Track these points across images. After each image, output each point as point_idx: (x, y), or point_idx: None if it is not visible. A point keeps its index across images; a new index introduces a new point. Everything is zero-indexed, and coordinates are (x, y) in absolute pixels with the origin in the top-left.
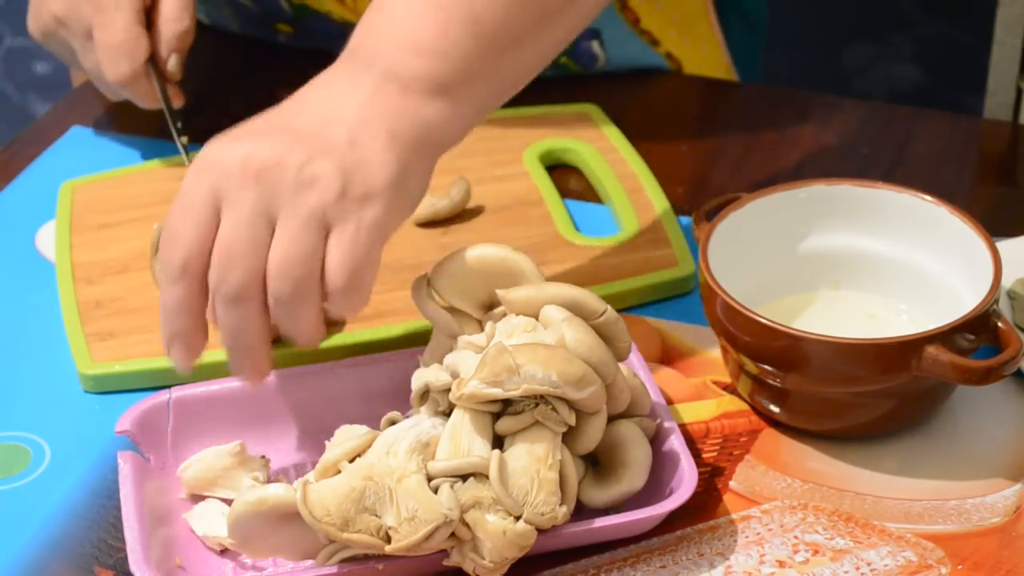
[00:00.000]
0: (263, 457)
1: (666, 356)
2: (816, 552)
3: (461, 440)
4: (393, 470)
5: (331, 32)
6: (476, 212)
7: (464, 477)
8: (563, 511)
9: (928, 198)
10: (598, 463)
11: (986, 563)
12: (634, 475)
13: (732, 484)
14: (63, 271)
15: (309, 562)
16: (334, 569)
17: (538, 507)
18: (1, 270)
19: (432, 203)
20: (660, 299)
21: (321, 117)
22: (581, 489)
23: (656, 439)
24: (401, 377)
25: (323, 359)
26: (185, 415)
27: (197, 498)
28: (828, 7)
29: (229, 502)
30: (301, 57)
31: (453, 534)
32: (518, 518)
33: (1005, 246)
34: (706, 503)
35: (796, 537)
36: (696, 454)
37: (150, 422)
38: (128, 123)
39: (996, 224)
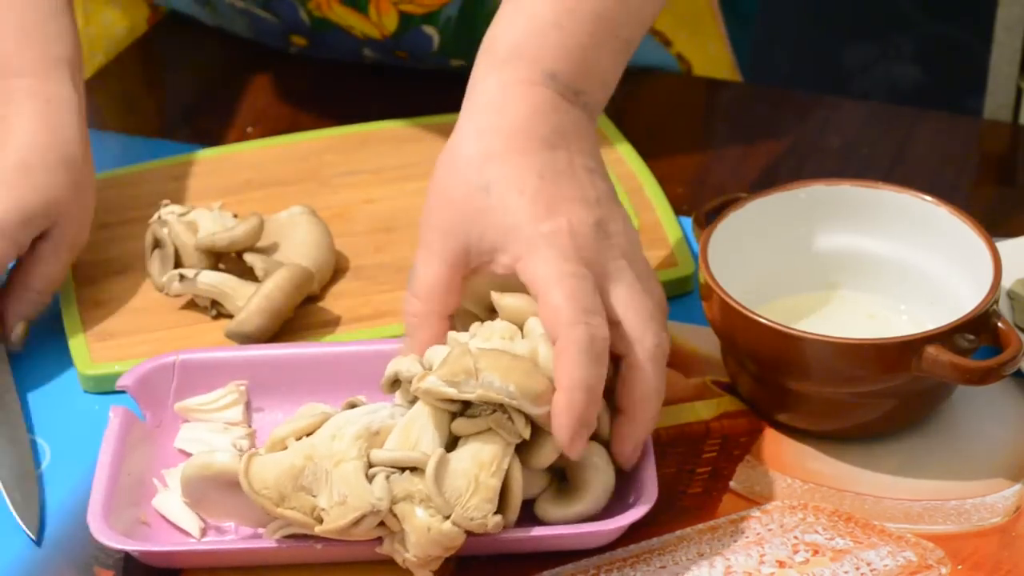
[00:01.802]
0: (249, 427)
1: None
2: (816, 552)
3: (412, 433)
4: (334, 453)
5: (347, 47)
6: None
7: (403, 470)
8: (495, 520)
9: (928, 198)
10: (564, 479)
11: (986, 563)
12: (593, 498)
13: (732, 484)
14: None
15: (261, 530)
16: (282, 543)
17: (469, 511)
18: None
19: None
20: None
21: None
22: (539, 503)
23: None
24: None
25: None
26: (189, 378)
27: (185, 456)
28: (828, 7)
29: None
30: (311, 63)
31: (384, 524)
32: (447, 518)
33: (1005, 246)
34: (706, 503)
35: (796, 537)
36: (696, 454)
37: (153, 381)
38: (128, 123)
39: (996, 224)
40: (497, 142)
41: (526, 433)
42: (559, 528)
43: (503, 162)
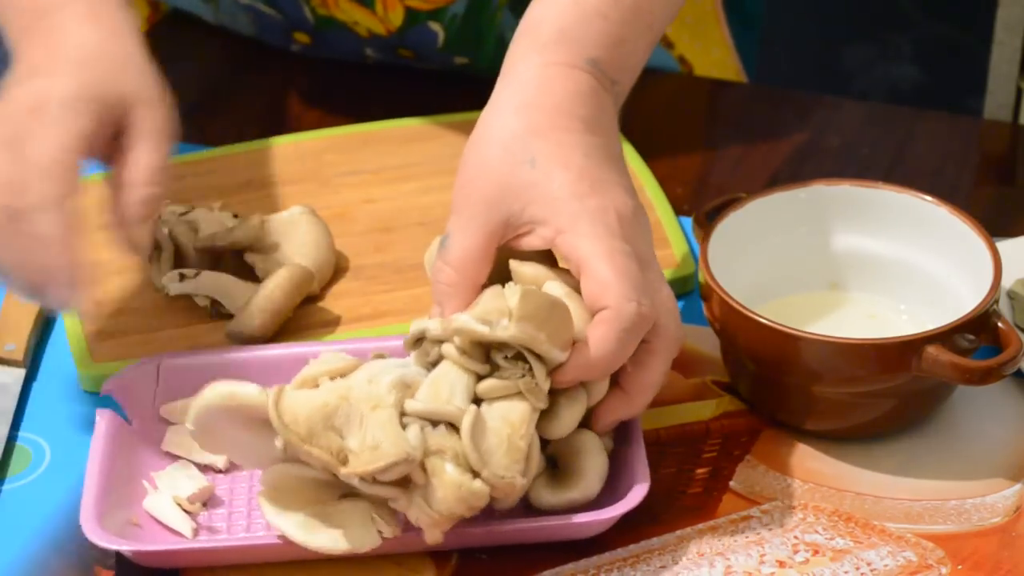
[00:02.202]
0: None
1: None
2: (816, 552)
3: (442, 389)
4: (371, 397)
5: (349, 46)
6: None
7: (436, 424)
8: (522, 482)
9: (928, 198)
10: (556, 466)
11: (986, 563)
12: (587, 484)
13: (732, 484)
14: None
15: (261, 532)
16: (274, 540)
17: (499, 469)
18: None
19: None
20: None
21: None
22: (533, 488)
23: (619, 442)
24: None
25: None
26: (173, 381)
27: (172, 458)
28: (828, 7)
29: (200, 466)
30: (312, 62)
31: (407, 478)
32: (476, 476)
33: (1005, 246)
34: (706, 503)
35: (796, 537)
36: (696, 454)
37: (136, 386)
38: None
39: (996, 224)
40: (541, 118)
41: (546, 386)
42: (553, 519)
43: (548, 138)
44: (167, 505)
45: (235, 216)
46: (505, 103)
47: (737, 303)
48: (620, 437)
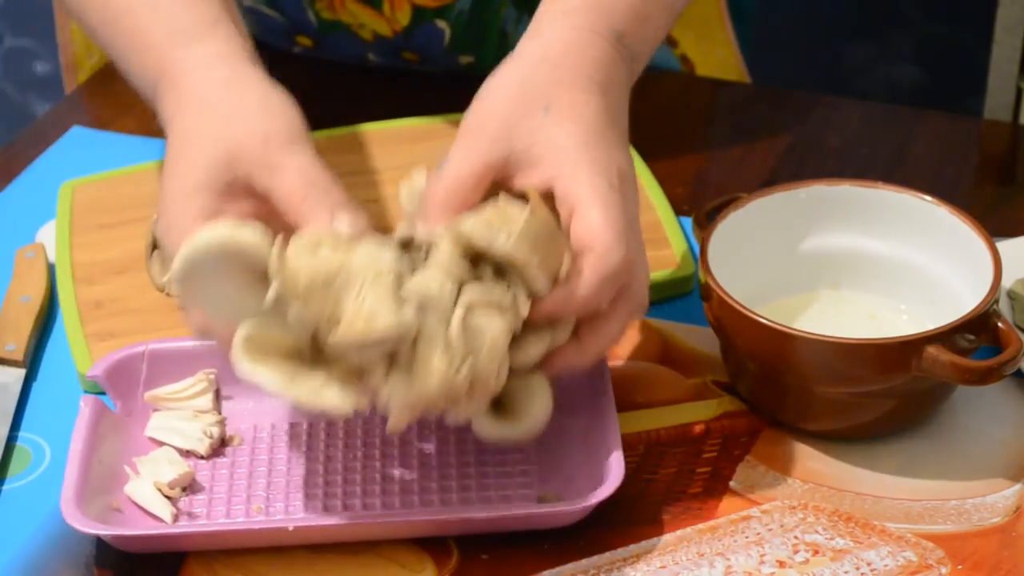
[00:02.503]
0: (219, 415)
1: (666, 356)
2: (816, 552)
3: (431, 286)
4: (372, 268)
5: (352, 49)
6: None
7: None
8: (493, 388)
9: (928, 198)
10: (500, 404)
11: (986, 563)
12: (531, 423)
13: (732, 484)
14: (63, 271)
15: (240, 518)
16: (255, 525)
17: (480, 366)
18: (1, 270)
19: None
20: (660, 299)
21: None
22: (477, 419)
23: (593, 434)
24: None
25: None
26: (159, 367)
27: (156, 444)
28: (829, 7)
29: (182, 451)
30: (313, 63)
31: (390, 359)
32: (457, 371)
33: (1005, 246)
34: (706, 503)
35: (796, 537)
36: (696, 454)
37: (122, 371)
38: (128, 123)
39: (996, 224)
40: (562, 74)
41: (524, 310)
42: (528, 508)
43: (564, 91)
44: (148, 490)
45: None
46: (529, 54)
47: (737, 303)
48: (597, 432)
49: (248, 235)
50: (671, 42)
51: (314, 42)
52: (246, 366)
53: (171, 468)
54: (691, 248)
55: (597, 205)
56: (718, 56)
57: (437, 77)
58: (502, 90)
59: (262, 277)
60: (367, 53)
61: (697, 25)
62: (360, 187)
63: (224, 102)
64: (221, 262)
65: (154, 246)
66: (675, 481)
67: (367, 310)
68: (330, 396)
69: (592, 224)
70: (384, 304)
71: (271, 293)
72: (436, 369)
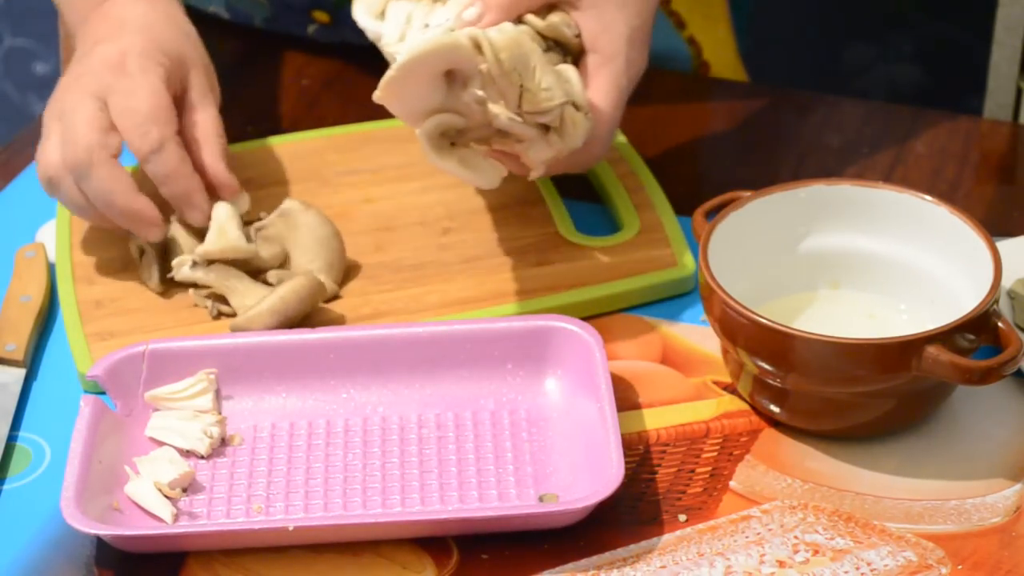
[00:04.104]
0: (219, 414)
1: (666, 356)
2: (816, 552)
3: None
4: (536, 48)
5: None
6: (476, 211)
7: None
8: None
9: (928, 198)
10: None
11: (986, 563)
12: (571, 140)
13: (732, 484)
14: (63, 271)
15: (240, 518)
16: (257, 524)
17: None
18: (1, 270)
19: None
20: (660, 299)
21: None
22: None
23: (593, 434)
24: (372, 358)
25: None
26: (159, 367)
27: (156, 444)
28: (828, 7)
29: (182, 451)
30: (313, 62)
31: (547, 127)
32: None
33: (1005, 246)
34: (706, 503)
35: (796, 537)
36: (696, 454)
37: (123, 371)
38: None
39: (996, 224)
40: None
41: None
42: (528, 508)
43: None
44: (148, 490)
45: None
46: None
47: (737, 303)
48: (597, 432)
49: (461, 38)
50: (680, 24)
51: (331, 18)
52: (433, 158)
53: (171, 468)
54: (691, 248)
55: (619, 37)
56: (719, 34)
57: None
58: None
59: (446, 76)
60: None
61: (702, 4)
62: (359, 186)
63: (143, 14)
64: (431, 63)
65: (140, 252)
66: (675, 481)
67: (544, 84)
68: (492, 177)
69: (605, 85)
70: (553, 77)
71: (483, 66)
72: (581, 121)
